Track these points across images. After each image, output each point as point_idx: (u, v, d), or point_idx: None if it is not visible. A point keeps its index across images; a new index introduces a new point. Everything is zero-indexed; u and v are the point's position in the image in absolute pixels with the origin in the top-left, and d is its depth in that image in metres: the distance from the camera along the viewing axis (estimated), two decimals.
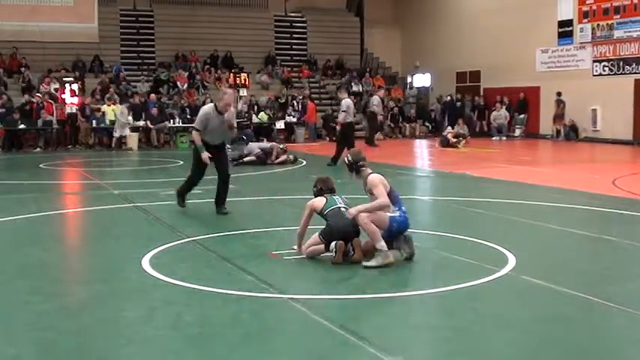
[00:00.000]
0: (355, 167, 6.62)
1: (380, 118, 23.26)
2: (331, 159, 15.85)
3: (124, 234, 8.08)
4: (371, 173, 6.56)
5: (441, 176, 14.18)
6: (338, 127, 16.56)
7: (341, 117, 16.08)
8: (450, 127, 23.42)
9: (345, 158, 6.77)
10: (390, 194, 6.45)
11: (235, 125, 9.48)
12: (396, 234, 6.43)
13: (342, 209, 6.53)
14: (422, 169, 16.15)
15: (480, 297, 5.43)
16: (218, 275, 6.10)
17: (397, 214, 6.44)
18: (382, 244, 6.25)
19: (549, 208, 9.82)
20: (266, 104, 25.89)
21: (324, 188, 6.78)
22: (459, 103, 27.95)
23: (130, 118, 22.39)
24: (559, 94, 24.60)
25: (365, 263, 6.20)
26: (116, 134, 21.89)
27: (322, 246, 6.47)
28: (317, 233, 6.54)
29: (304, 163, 16.22)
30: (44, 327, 4.81)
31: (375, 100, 22.50)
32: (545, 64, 25.52)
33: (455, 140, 21.89)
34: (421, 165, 17.45)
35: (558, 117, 24.65)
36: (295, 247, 6.70)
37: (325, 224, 6.53)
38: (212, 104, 9.42)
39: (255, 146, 16.81)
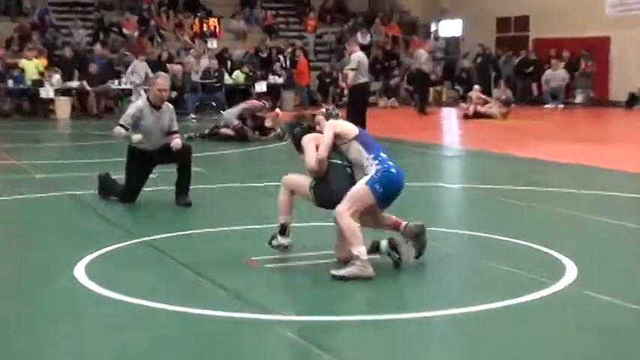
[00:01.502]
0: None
1: (433, 77, 23.76)
2: None
3: (51, 232, 8.06)
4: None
5: (475, 157, 14.25)
6: (346, 91, 16.58)
7: (350, 77, 16.04)
8: (477, 87, 23.16)
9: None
10: (358, 140, 6.41)
11: (178, 132, 9.46)
12: (391, 198, 6.36)
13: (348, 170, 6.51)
14: (450, 147, 16.29)
15: (529, 320, 5.43)
16: (178, 288, 6.13)
17: (373, 169, 6.30)
18: (361, 250, 6.15)
19: (623, 200, 9.81)
20: (243, 60, 25.81)
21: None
22: (500, 60, 27.99)
23: (58, 77, 22.32)
24: None
25: (334, 272, 6.15)
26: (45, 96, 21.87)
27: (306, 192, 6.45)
28: (308, 181, 6.51)
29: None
30: None
31: (423, 55, 22.69)
32: (618, 5, 25.50)
33: (483, 108, 21.72)
34: (449, 141, 17.59)
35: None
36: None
37: (337, 171, 6.47)
38: (145, 98, 9.51)
39: (232, 115, 16.63)
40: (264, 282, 6.26)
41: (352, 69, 15.91)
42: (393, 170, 6.34)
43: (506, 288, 6.00)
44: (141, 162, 9.37)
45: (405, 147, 14.54)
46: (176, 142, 9.24)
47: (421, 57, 22.86)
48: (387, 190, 6.29)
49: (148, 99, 9.39)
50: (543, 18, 27.54)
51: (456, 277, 6.44)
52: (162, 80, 9.34)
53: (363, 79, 15.93)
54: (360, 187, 6.29)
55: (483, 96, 22.83)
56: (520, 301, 5.67)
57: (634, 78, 24.74)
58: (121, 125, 9.30)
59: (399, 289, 6.14)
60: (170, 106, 9.49)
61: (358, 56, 16.06)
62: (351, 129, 6.57)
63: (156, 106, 9.27)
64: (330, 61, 28.16)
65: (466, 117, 21.79)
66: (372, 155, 6.39)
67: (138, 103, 9.53)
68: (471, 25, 29.66)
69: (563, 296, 5.84)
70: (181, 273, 6.48)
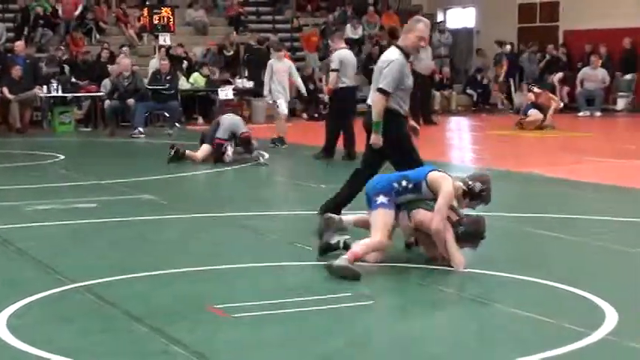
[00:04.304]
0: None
1: (438, 77, 24.17)
2: (322, 149, 16.13)
3: None
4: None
5: (495, 177, 14.13)
6: (326, 97, 16.67)
7: (331, 79, 16.20)
8: (535, 87, 22.63)
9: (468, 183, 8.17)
10: None
11: None
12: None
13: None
14: (462, 165, 16.26)
15: None
16: (124, 346, 6.08)
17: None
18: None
19: None
20: (203, 59, 25.82)
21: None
22: (523, 56, 28.06)
23: None
24: None
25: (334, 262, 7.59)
26: None
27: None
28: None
29: (266, 156, 16.30)
30: None
31: (423, 52, 22.65)
32: None
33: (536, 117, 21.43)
34: (461, 159, 17.62)
35: None
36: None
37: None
38: None
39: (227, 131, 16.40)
40: (233, 337, 6.22)
41: (333, 70, 16.09)
42: None
43: (534, 339, 6.07)
44: None
45: None
46: None
47: (420, 54, 22.89)
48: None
49: None
50: (578, 4, 27.73)
51: (475, 328, 6.51)
52: None
53: (346, 83, 16.05)
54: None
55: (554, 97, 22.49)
56: (551, 355, 5.71)
57: None
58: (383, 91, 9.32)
59: (403, 346, 6.13)
60: None
61: (340, 55, 16.17)
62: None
63: None
64: (308, 55, 28.13)
65: (521, 125, 21.45)
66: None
67: None
68: (486, 14, 29.86)
69: (602, 347, 5.90)
70: (127, 326, 6.45)
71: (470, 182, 8.17)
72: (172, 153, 15.70)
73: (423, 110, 23.15)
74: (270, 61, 18.67)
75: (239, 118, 17.01)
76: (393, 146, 9.32)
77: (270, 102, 18.42)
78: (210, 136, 16.07)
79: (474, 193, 8.15)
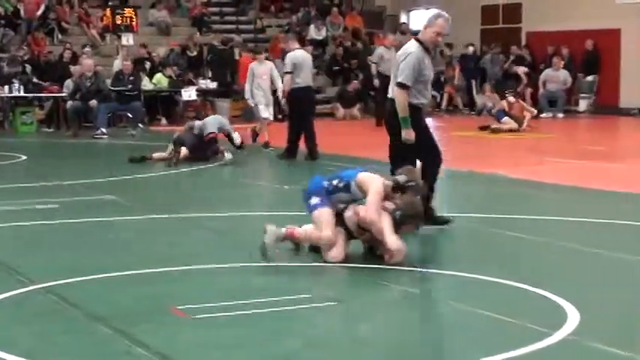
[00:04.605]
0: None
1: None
2: (285, 150, 16.20)
3: None
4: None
5: (457, 178, 14.21)
6: (282, 99, 16.88)
7: (285, 81, 16.44)
8: (510, 96, 22.33)
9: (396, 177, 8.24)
10: None
11: None
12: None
13: None
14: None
15: None
16: (87, 347, 6.06)
17: None
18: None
19: (633, 229, 9.93)
20: (166, 60, 25.75)
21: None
22: (486, 58, 28.11)
23: None
24: None
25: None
26: None
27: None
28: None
29: (230, 156, 16.14)
30: None
31: (380, 53, 22.58)
32: None
33: (506, 125, 21.35)
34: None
35: None
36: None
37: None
38: None
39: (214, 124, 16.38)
40: (194, 338, 6.20)
41: (287, 72, 16.27)
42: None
43: (496, 339, 6.09)
44: None
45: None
46: None
47: (375, 57, 22.86)
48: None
49: None
50: (541, 6, 27.88)
51: (437, 328, 6.52)
52: None
53: (301, 84, 16.16)
54: None
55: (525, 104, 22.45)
56: (512, 356, 5.71)
57: None
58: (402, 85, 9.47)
59: (370, 344, 6.15)
60: None
61: (292, 57, 16.31)
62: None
63: None
64: (274, 60, 28.11)
65: (491, 129, 21.39)
66: None
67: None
68: (450, 16, 29.86)
69: (564, 348, 5.91)
70: (90, 327, 6.44)
71: (397, 177, 8.27)
72: (139, 156, 15.71)
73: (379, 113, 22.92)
74: (251, 65, 18.52)
75: (224, 118, 17.12)
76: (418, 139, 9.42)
77: (253, 105, 18.35)
78: (189, 138, 15.97)
79: (400, 186, 8.18)
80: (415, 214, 8.16)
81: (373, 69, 22.94)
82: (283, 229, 8.09)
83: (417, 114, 9.47)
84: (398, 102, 9.36)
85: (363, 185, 8.13)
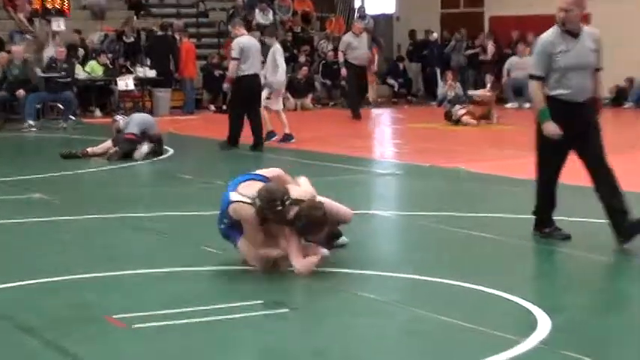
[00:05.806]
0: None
1: (373, 69, 25.06)
2: (226, 139, 16.39)
3: None
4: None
5: (417, 174, 14.26)
6: (226, 86, 16.96)
7: (230, 68, 16.49)
8: (476, 95, 22.56)
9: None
10: None
11: None
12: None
13: None
14: (383, 161, 16.31)
15: None
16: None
17: None
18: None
19: (602, 226, 9.65)
20: (100, 46, 25.42)
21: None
22: (448, 45, 28.01)
23: None
24: None
25: None
26: None
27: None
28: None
29: (171, 151, 16.16)
30: None
31: (348, 40, 22.75)
32: None
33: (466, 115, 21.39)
34: (381, 154, 17.58)
35: None
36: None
37: None
38: None
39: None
40: (134, 349, 6.15)
41: (233, 58, 16.29)
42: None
43: (460, 349, 6.08)
44: None
45: (322, 162, 14.74)
46: None
47: (343, 44, 22.75)
48: None
49: None
50: None
51: (398, 337, 6.44)
52: None
53: (247, 71, 16.13)
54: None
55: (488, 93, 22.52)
56: None
57: (621, 66, 24.10)
58: None
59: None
60: None
61: (240, 42, 16.33)
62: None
63: None
64: (219, 47, 27.74)
65: (450, 118, 21.36)
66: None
67: None
68: (407, 0, 29.81)
69: (534, 357, 5.92)
70: (18, 339, 6.36)
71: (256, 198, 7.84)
72: (72, 152, 15.48)
73: (352, 101, 22.86)
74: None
75: (152, 118, 16.88)
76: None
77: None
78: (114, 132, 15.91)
79: (268, 205, 7.78)
80: (316, 220, 7.80)
81: (340, 57, 22.92)
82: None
83: (563, 107, 8.77)
84: (532, 96, 8.95)
85: (235, 216, 7.89)
